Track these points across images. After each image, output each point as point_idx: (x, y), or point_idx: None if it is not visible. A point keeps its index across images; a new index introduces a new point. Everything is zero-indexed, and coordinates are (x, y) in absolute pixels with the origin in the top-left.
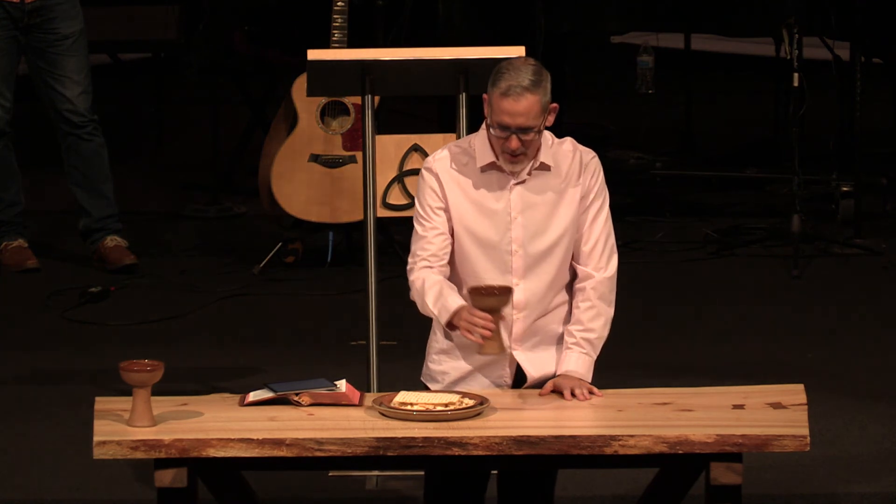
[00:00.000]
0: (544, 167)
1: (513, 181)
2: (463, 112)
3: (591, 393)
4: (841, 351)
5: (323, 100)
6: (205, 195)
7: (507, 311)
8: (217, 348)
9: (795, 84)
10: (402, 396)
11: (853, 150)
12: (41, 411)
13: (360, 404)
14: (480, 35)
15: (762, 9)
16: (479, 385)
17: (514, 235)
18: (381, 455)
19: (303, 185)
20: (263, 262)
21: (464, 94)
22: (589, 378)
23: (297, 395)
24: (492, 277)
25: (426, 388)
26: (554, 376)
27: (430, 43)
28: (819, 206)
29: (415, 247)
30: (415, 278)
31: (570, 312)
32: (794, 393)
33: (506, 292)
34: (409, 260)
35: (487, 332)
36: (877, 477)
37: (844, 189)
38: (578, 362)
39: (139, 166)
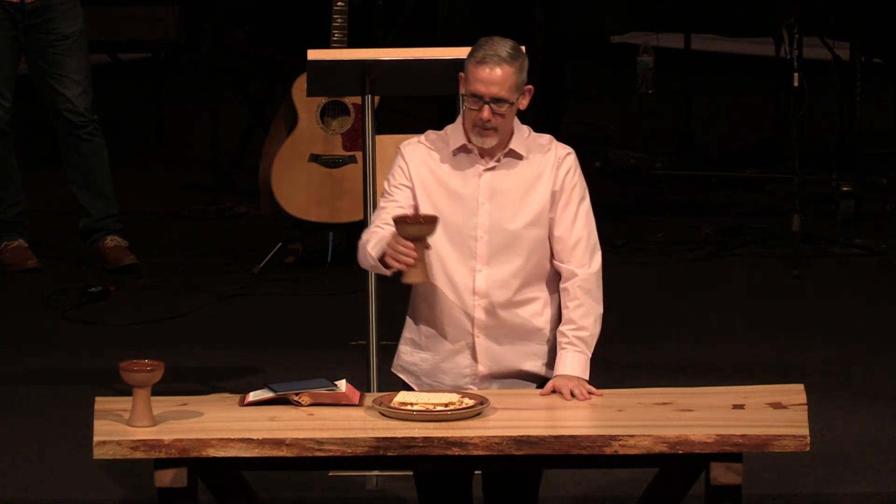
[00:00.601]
0: (516, 155)
1: (482, 167)
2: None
3: (590, 393)
4: (841, 351)
5: (323, 100)
6: (205, 195)
7: (461, 281)
8: (217, 348)
9: (795, 84)
10: (402, 396)
11: (853, 150)
12: (41, 411)
13: (360, 404)
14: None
15: (762, 9)
16: (450, 378)
17: (480, 221)
18: (381, 455)
19: (303, 185)
20: (263, 262)
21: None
22: (586, 376)
23: (297, 395)
24: (455, 261)
25: (398, 380)
26: (513, 372)
27: (430, 43)
28: (819, 206)
29: (372, 219)
30: (364, 240)
31: (555, 315)
32: (794, 393)
33: (430, 221)
34: (364, 232)
35: (409, 261)
36: (877, 477)
37: (844, 189)
38: (574, 362)
39: (139, 166)
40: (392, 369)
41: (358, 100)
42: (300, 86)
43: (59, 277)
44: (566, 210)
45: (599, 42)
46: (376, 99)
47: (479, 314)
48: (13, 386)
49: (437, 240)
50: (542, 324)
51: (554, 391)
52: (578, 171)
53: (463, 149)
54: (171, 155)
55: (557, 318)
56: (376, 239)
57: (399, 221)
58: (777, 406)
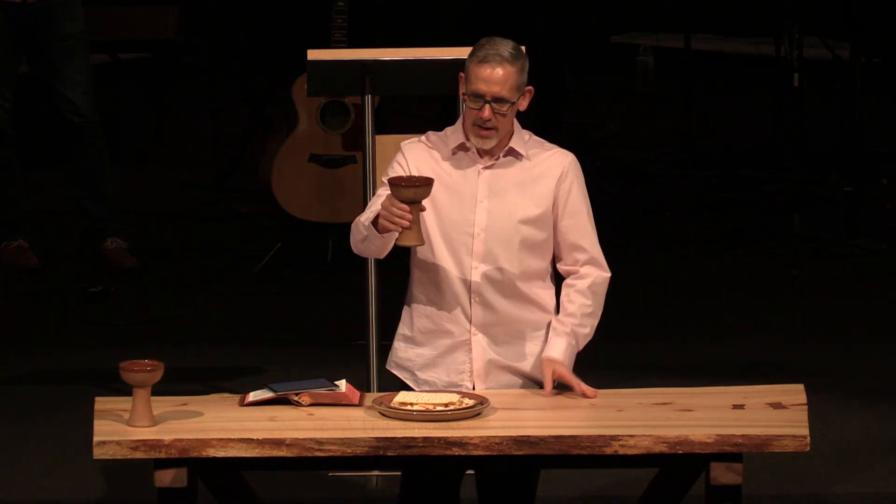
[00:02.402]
0: (515, 154)
1: (481, 165)
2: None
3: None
4: (841, 351)
5: (323, 100)
6: (205, 195)
7: (459, 278)
8: (217, 348)
9: (795, 84)
10: (402, 396)
11: (853, 150)
12: (41, 411)
13: (360, 404)
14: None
15: (762, 9)
16: (445, 373)
17: (478, 219)
18: (381, 455)
19: (303, 185)
20: (263, 262)
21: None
22: (571, 368)
23: (297, 395)
24: (452, 258)
25: (392, 376)
26: (508, 370)
27: (430, 43)
28: (819, 206)
29: (368, 204)
30: (357, 220)
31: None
32: (794, 393)
33: (425, 183)
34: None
35: (405, 223)
36: (877, 477)
37: (845, 189)
38: (570, 352)
39: (139, 166)
40: (386, 366)
41: (358, 100)
42: (300, 86)
43: (59, 277)
44: (577, 216)
45: (599, 42)
46: (376, 99)
47: (476, 311)
48: (13, 386)
49: (435, 236)
50: (539, 324)
51: (554, 378)
52: (581, 176)
53: (462, 147)
54: (171, 155)
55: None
56: (368, 213)
57: (394, 183)
58: (777, 406)
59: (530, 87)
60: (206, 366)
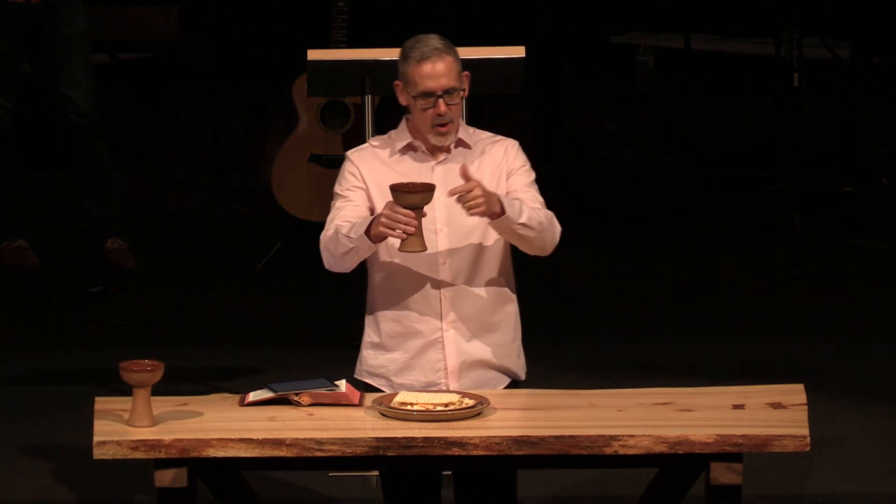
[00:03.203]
0: (464, 145)
1: (433, 162)
2: (463, 112)
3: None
4: (841, 351)
5: (323, 100)
6: (205, 195)
7: (426, 274)
8: (217, 348)
9: (795, 84)
10: (402, 396)
11: (853, 150)
12: (41, 411)
13: (360, 404)
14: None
15: (762, 9)
16: (422, 374)
17: (438, 215)
18: (381, 455)
19: (303, 185)
20: (263, 261)
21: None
22: (498, 207)
23: (297, 395)
24: (414, 259)
25: (364, 385)
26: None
27: None
28: (819, 206)
29: (329, 219)
30: (326, 234)
31: (517, 310)
32: (794, 393)
33: (428, 189)
34: (322, 232)
35: (411, 229)
36: (877, 477)
37: (845, 189)
38: (508, 201)
39: (139, 166)
40: (356, 375)
41: (358, 100)
42: (300, 86)
43: (59, 277)
44: (521, 181)
45: (599, 42)
46: (376, 99)
47: (447, 306)
48: (14, 386)
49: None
50: (507, 315)
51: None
52: (525, 157)
53: (410, 147)
54: (171, 155)
55: (518, 312)
56: (349, 225)
57: (398, 190)
58: (777, 406)
59: (467, 73)
60: (206, 366)
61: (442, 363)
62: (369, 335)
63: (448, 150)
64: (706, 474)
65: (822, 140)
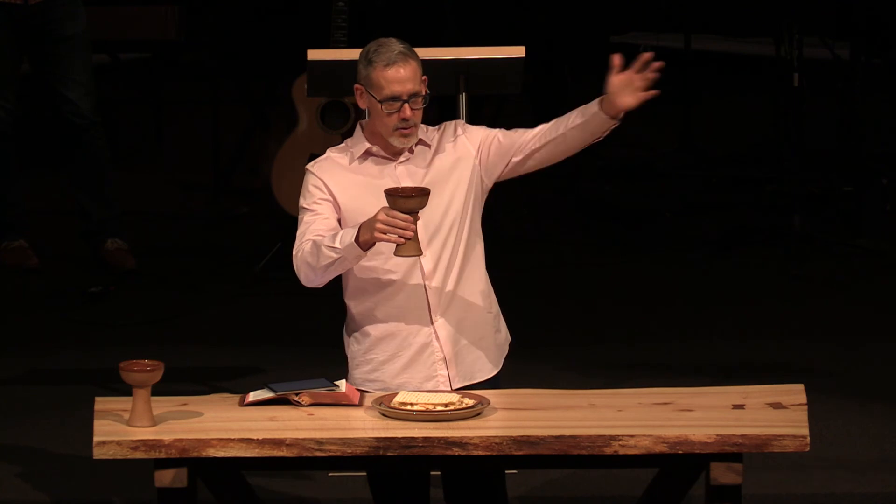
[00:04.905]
0: (425, 143)
1: (395, 163)
2: (463, 112)
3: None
4: (841, 351)
5: (323, 100)
6: (205, 195)
7: (411, 274)
8: (217, 348)
9: (795, 84)
10: (402, 396)
11: (853, 150)
12: (41, 411)
13: (360, 404)
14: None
15: (762, 9)
16: (418, 369)
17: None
18: (381, 455)
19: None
20: (263, 262)
21: (464, 94)
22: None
23: (297, 395)
24: (397, 258)
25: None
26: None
27: (430, 43)
28: (819, 206)
29: (299, 234)
30: (302, 248)
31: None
32: (794, 393)
33: (424, 193)
34: (294, 247)
35: (409, 234)
36: (877, 477)
37: (845, 189)
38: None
39: (139, 166)
40: (349, 381)
41: None
42: (300, 86)
43: (59, 277)
44: (502, 135)
45: (599, 42)
46: None
47: (433, 297)
48: (13, 386)
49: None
50: (485, 296)
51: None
52: (474, 125)
53: (368, 153)
54: (171, 155)
55: (496, 304)
56: (331, 236)
57: (395, 195)
58: (777, 406)
59: (425, 77)
60: (206, 366)
61: (438, 354)
62: (355, 345)
63: (411, 150)
64: (706, 474)
65: (822, 140)
